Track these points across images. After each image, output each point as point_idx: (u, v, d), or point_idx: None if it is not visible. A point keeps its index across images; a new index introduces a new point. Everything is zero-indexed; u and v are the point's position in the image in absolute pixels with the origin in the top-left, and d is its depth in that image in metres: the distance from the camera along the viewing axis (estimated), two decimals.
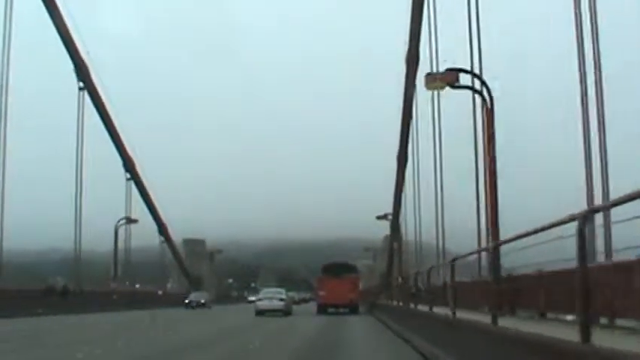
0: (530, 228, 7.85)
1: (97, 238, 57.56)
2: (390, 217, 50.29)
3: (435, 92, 27.27)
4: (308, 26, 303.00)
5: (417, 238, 38.94)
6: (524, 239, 9.02)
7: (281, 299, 38.78)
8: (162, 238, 65.03)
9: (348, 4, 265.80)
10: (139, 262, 78.84)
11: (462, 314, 12.05)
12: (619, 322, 8.63)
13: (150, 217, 61.90)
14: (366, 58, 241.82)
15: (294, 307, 44.97)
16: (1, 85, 37.02)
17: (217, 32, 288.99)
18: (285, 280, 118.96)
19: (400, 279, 30.22)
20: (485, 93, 16.02)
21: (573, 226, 5.82)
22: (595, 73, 15.28)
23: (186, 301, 54.83)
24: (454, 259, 10.00)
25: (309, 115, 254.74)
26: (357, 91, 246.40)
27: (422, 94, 37.53)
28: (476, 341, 7.84)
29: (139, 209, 58.63)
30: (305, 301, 74.65)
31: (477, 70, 19.12)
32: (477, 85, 17.39)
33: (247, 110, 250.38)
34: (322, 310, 41.26)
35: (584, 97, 15.41)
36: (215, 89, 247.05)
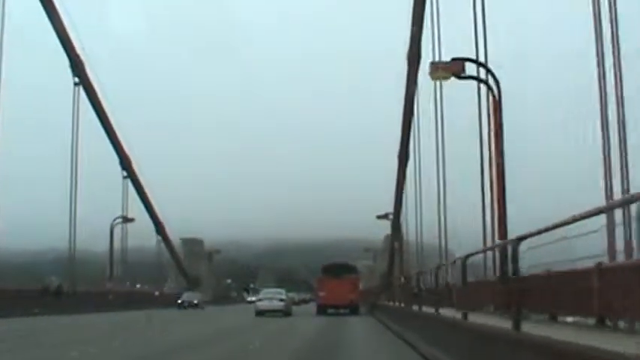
0: (538, 225, 7.26)
1: (95, 237, 56.84)
2: (390, 216, 49.62)
3: (438, 87, 26.64)
4: (308, 24, 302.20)
5: (419, 238, 38.18)
6: (537, 238, 8.40)
7: (281, 300, 38.69)
8: (160, 238, 64.19)
9: (348, 1, 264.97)
10: (137, 262, 78.25)
11: (470, 316, 11.33)
12: None
13: (147, 217, 61.27)
14: (366, 56, 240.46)
15: (294, 308, 44.74)
16: None
17: (217, 30, 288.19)
18: (285, 280, 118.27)
19: (402, 279, 29.49)
20: (492, 83, 15.25)
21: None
22: (614, 64, 14.46)
23: (179, 301, 53.61)
24: (467, 256, 9.06)
25: (309, 113, 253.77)
26: (357, 89, 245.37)
27: (423, 91, 37.16)
28: (494, 349, 6.95)
29: (137, 208, 58.19)
30: (305, 301, 74.50)
31: (482, 62, 18.18)
32: (483, 75, 16.67)
33: (246, 108, 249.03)
34: (322, 310, 41.00)
35: (603, 89, 14.60)
36: (214, 87, 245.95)
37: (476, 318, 10.48)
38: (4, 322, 26.51)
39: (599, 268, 9.56)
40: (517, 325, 6.46)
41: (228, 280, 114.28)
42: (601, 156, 14.15)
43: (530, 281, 13.20)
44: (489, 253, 17.22)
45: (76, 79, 43.88)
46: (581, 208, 6.14)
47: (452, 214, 30.99)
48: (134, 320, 30.53)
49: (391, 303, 28.68)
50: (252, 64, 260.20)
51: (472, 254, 8.77)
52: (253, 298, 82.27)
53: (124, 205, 53.09)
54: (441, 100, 26.42)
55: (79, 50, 43.40)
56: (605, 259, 10.59)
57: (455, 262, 12.89)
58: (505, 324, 7.85)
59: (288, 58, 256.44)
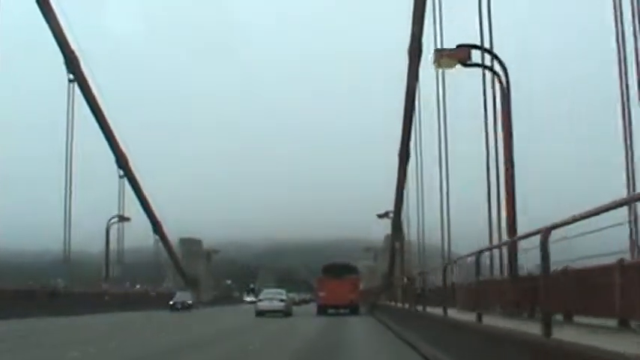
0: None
1: (93, 238, 56.16)
2: (391, 214, 48.88)
3: (440, 79, 25.84)
4: (307, 24, 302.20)
5: (420, 237, 37.46)
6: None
7: (281, 300, 38.71)
8: (157, 237, 63.25)
9: (347, 1, 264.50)
10: (135, 263, 77.54)
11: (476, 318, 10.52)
12: None
13: (145, 217, 60.41)
14: (365, 57, 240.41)
15: (295, 308, 44.59)
16: None
17: (216, 30, 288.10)
18: (285, 280, 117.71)
19: (405, 279, 28.73)
20: (500, 72, 14.45)
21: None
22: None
23: (171, 302, 50.79)
24: (481, 251, 8.15)
25: (309, 113, 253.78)
26: (356, 89, 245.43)
27: (425, 86, 36.44)
28: (520, 357, 6.04)
29: (134, 208, 57.48)
30: (305, 301, 74.46)
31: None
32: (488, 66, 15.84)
33: (246, 108, 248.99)
34: (322, 311, 41.02)
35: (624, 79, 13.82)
36: (214, 87, 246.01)
37: (487, 320, 9.70)
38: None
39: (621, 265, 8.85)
40: (548, 331, 5.42)
41: (228, 281, 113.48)
42: (622, 146, 13.34)
43: (552, 279, 12.45)
44: (494, 252, 16.51)
45: (71, 76, 43.04)
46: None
47: (454, 213, 30.26)
48: (113, 324, 28.91)
49: (392, 303, 27.87)
50: (251, 64, 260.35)
51: (485, 250, 7.84)
52: (251, 299, 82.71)
53: (120, 204, 52.29)
54: (444, 93, 25.59)
55: (73, 46, 42.57)
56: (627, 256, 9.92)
57: (456, 260, 12.05)
58: (523, 326, 7.04)
59: (287, 58, 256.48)
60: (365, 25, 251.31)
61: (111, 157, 50.96)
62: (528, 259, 13.32)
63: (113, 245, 54.62)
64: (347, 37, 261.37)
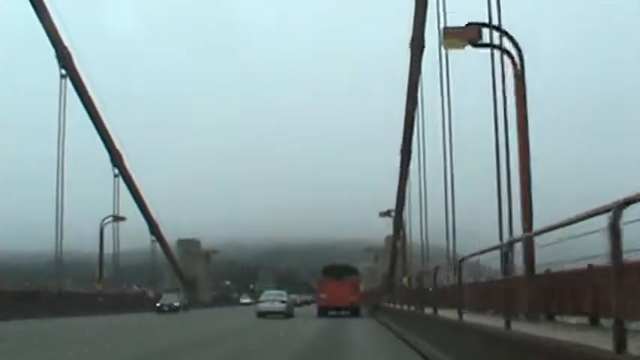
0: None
1: (91, 238, 54.91)
2: (392, 213, 47.78)
3: (444, 69, 24.64)
4: (307, 24, 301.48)
5: (424, 236, 36.21)
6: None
7: (282, 301, 38.64)
8: (154, 238, 61.99)
9: (347, 1, 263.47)
10: (133, 265, 76.49)
11: (490, 321, 9.27)
12: None
13: (143, 218, 59.22)
14: (365, 56, 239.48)
15: (295, 310, 44.34)
16: None
17: (216, 30, 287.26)
18: (285, 282, 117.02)
19: (406, 280, 27.58)
20: (514, 53, 13.23)
21: None
22: None
23: (157, 304, 47.67)
24: (511, 242, 6.75)
25: (309, 113, 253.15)
26: (356, 88, 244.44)
27: (427, 80, 35.33)
28: None
29: (132, 209, 56.50)
30: (307, 303, 74.44)
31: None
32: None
33: (246, 108, 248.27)
34: (323, 312, 40.72)
35: None
36: (214, 87, 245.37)
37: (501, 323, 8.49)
38: None
39: None
40: (621, 344, 3.95)
41: (227, 282, 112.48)
42: None
43: (564, 279, 11.26)
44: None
45: (63, 71, 41.79)
46: None
47: (459, 211, 29.10)
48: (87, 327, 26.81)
49: (394, 305, 26.65)
50: (251, 64, 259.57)
51: (517, 240, 6.59)
52: (247, 300, 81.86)
53: (115, 203, 50.99)
54: (448, 84, 24.30)
55: (66, 41, 41.27)
56: None
57: (462, 260, 10.72)
58: (558, 334, 5.81)
59: (287, 58, 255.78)
60: (365, 25, 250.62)
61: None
62: (545, 255, 12.30)
63: (113, 246, 53.63)
64: (347, 36, 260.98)
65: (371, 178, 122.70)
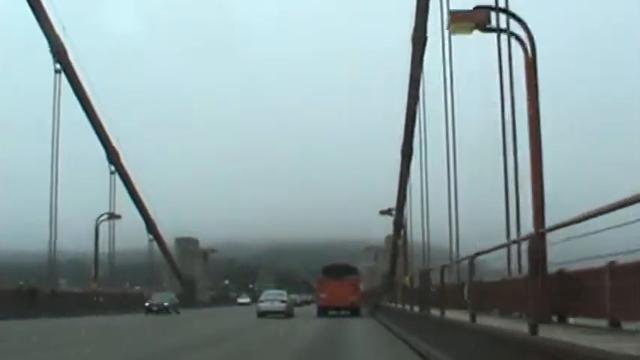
0: None
1: (87, 238, 54.14)
2: (393, 212, 47.07)
3: (446, 65, 23.88)
4: (307, 22, 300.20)
5: (425, 234, 35.49)
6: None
7: (282, 301, 38.61)
8: (151, 236, 61.13)
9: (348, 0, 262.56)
10: (130, 264, 75.74)
11: (505, 324, 8.46)
12: None
13: (140, 216, 58.44)
14: (366, 54, 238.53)
15: (296, 309, 44.24)
16: None
17: (216, 28, 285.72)
18: (285, 281, 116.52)
19: (408, 279, 26.77)
20: (525, 37, 12.42)
21: None
22: None
23: (146, 304, 44.46)
24: (550, 229, 5.72)
25: (309, 112, 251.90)
26: (357, 87, 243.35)
27: (429, 74, 34.58)
28: None
29: (130, 208, 55.84)
30: (307, 302, 74.46)
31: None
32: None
33: (246, 107, 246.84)
34: (323, 312, 40.65)
35: None
36: (214, 86, 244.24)
37: (520, 326, 7.68)
38: None
39: None
40: None
41: (226, 281, 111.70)
42: None
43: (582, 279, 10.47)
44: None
45: (58, 66, 40.94)
46: None
47: (461, 210, 28.35)
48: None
49: (395, 305, 25.83)
50: (252, 62, 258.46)
51: (554, 228, 5.72)
52: (244, 300, 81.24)
53: (111, 201, 50.18)
54: (451, 74, 23.52)
55: (61, 36, 40.41)
56: None
57: (476, 254, 9.89)
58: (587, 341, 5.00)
59: (288, 56, 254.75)
60: (366, 24, 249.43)
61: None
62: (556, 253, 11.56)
63: (108, 245, 52.86)
64: (348, 35, 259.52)
65: (371, 177, 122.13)
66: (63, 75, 41.68)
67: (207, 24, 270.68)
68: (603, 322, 9.99)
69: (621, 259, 9.25)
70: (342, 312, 40.47)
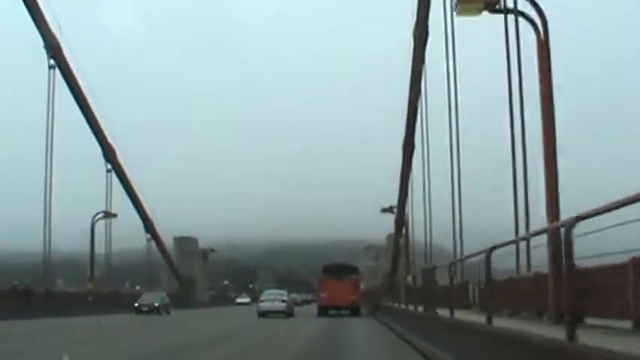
0: None
1: (85, 237, 53.37)
2: (395, 210, 46.41)
3: (450, 49, 23.15)
4: (307, 23, 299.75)
5: (427, 232, 34.82)
6: None
7: (283, 301, 38.64)
8: (149, 236, 60.32)
9: (348, 1, 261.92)
10: (129, 264, 75.01)
11: (517, 325, 7.70)
12: None
13: (138, 215, 57.70)
14: (365, 56, 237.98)
15: (296, 309, 44.38)
16: None
17: (216, 30, 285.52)
18: (285, 281, 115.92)
19: (411, 278, 26.02)
20: (536, 17, 11.66)
21: None
22: None
23: (136, 304, 42.34)
24: (580, 217, 4.98)
25: (309, 113, 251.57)
26: (356, 88, 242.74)
27: (431, 68, 33.91)
28: None
29: (128, 207, 55.17)
30: (307, 302, 74.51)
31: None
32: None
33: (246, 108, 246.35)
34: (323, 312, 40.49)
35: None
36: (214, 87, 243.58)
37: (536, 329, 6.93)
38: None
39: None
40: None
41: (226, 281, 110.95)
42: None
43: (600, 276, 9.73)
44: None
45: (52, 62, 40.14)
46: None
47: (465, 207, 27.64)
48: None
49: (397, 305, 25.07)
50: (251, 64, 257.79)
51: (586, 216, 4.98)
52: (243, 300, 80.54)
53: (108, 198, 49.35)
54: (454, 64, 22.80)
55: (55, 31, 39.61)
56: None
57: (493, 248, 9.06)
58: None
59: (287, 58, 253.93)
60: (365, 25, 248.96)
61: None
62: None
63: (105, 244, 52.08)
64: (347, 36, 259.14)
65: (371, 177, 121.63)
66: (57, 71, 41.02)
67: (207, 25, 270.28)
68: (625, 323, 9.32)
69: None
70: (343, 312, 40.27)
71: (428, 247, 36.50)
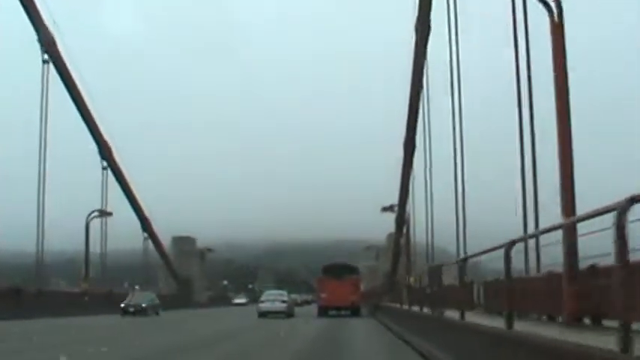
0: None
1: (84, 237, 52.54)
2: (395, 208, 45.73)
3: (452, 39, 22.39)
4: (307, 23, 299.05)
5: (429, 231, 34.09)
6: None
7: (283, 301, 38.74)
8: (146, 235, 59.47)
9: (348, 1, 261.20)
10: (128, 263, 74.25)
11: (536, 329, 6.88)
12: None
13: (134, 214, 56.89)
14: (365, 56, 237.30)
15: (296, 309, 44.47)
16: None
17: (216, 30, 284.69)
18: (284, 281, 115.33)
19: (413, 279, 25.32)
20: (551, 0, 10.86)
21: None
22: None
23: (122, 304, 40.04)
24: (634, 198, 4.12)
25: (309, 113, 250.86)
26: (356, 88, 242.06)
27: (433, 62, 33.18)
28: None
29: (126, 207, 54.51)
30: (307, 302, 74.34)
31: None
32: None
33: (246, 108, 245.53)
34: (323, 312, 40.17)
35: None
36: (213, 87, 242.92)
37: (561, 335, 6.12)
38: None
39: None
40: None
41: (225, 281, 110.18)
42: None
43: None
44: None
45: (45, 57, 39.28)
46: None
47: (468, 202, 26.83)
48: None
49: (400, 305, 24.31)
50: (251, 64, 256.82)
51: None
52: (242, 300, 79.81)
53: (103, 196, 48.56)
54: (458, 56, 21.99)
55: (49, 25, 38.72)
56: None
57: (513, 242, 8.22)
58: None
59: (287, 58, 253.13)
60: (365, 25, 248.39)
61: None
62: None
63: (100, 244, 51.29)
64: (347, 36, 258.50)
65: (371, 177, 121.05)
66: (52, 67, 40.20)
67: (207, 25, 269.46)
68: None
69: None
70: (343, 312, 40.09)
71: (429, 247, 35.83)
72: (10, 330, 22.57)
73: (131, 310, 39.38)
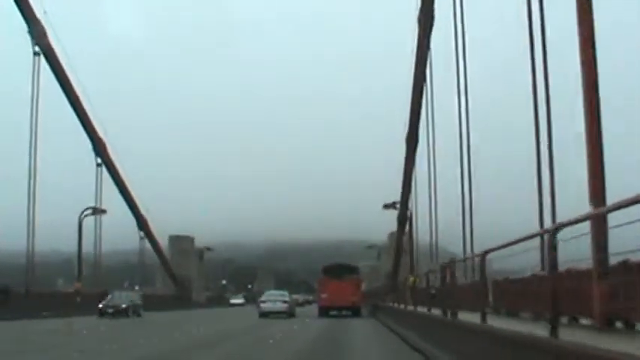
0: None
1: (83, 237, 51.53)
2: (397, 205, 44.82)
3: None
4: (307, 23, 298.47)
5: (433, 225, 33.20)
6: None
7: (284, 301, 38.68)
8: (142, 234, 58.32)
9: (348, 1, 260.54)
10: (126, 263, 73.34)
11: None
12: None
13: (130, 212, 55.83)
14: (366, 55, 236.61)
15: (297, 309, 44.32)
16: None
17: (215, 30, 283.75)
18: (284, 281, 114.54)
19: (412, 279, 24.31)
20: None
21: None
22: None
23: (100, 305, 37.11)
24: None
25: (308, 113, 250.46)
26: (356, 87, 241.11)
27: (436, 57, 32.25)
28: None
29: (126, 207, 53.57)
30: (309, 302, 74.06)
31: None
32: None
33: (245, 108, 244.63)
34: (324, 312, 39.90)
35: None
36: (213, 86, 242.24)
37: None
38: None
39: None
40: None
41: (223, 281, 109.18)
42: None
43: None
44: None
45: (37, 48, 38.16)
46: None
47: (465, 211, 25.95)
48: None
49: (404, 306, 23.27)
50: (251, 64, 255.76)
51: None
52: (239, 301, 78.81)
53: (98, 193, 47.39)
54: (464, 50, 20.98)
55: (38, 13, 37.55)
56: None
57: (557, 228, 7.08)
58: None
59: (287, 58, 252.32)
60: (365, 25, 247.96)
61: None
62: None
63: (95, 244, 50.29)
64: (347, 36, 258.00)
65: (371, 176, 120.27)
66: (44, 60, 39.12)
67: (207, 25, 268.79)
68: None
69: None
70: (343, 312, 39.81)
71: (434, 245, 34.87)
72: None
73: (110, 311, 36.39)
